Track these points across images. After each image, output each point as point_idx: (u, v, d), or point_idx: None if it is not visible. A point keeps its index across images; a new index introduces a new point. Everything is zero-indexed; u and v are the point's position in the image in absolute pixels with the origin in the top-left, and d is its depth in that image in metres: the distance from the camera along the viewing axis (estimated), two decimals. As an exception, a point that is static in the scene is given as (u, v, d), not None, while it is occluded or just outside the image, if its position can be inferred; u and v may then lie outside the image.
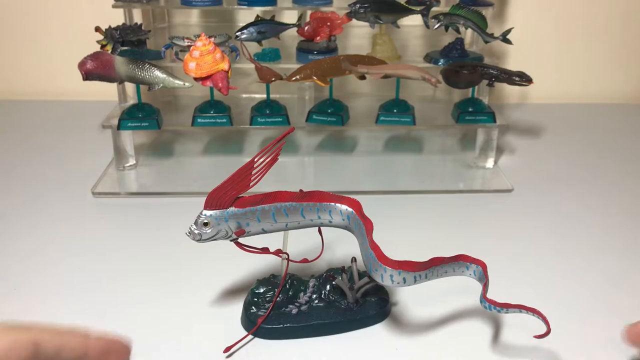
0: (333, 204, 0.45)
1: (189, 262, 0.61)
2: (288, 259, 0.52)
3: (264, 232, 0.46)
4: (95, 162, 0.81)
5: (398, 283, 0.44)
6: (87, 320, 0.53)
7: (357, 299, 0.52)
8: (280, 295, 0.52)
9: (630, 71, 1.10)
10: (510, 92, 1.07)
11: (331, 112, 0.79)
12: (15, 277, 0.58)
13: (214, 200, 0.44)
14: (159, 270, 0.60)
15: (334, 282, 0.52)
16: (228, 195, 0.44)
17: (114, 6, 0.82)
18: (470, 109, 0.80)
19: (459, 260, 0.46)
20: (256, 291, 0.52)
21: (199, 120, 0.77)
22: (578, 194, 0.76)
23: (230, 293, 0.56)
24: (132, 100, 0.83)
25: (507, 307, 0.44)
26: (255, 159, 0.43)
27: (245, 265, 0.59)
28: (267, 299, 0.52)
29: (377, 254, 0.44)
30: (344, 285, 0.51)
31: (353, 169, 0.81)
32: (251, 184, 0.44)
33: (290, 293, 0.52)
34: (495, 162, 0.83)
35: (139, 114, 0.76)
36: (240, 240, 0.47)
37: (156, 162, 0.83)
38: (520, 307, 0.45)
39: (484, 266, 0.46)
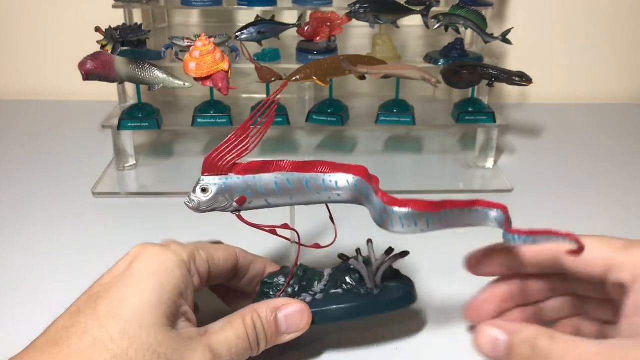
0: (339, 174, 0.43)
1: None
2: (299, 243, 0.47)
3: (268, 205, 0.44)
4: (95, 162, 0.81)
5: (409, 226, 0.40)
6: (87, 320, 0.53)
7: (377, 283, 0.47)
8: (292, 285, 0.48)
9: (631, 71, 1.10)
10: (510, 92, 1.07)
11: (331, 112, 0.79)
12: (14, 277, 0.59)
13: (212, 164, 0.42)
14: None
15: (349, 262, 0.47)
16: (226, 160, 0.42)
17: (114, 6, 0.82)
18: (470, 109, 0.80)
19: (476, 205, 0.41)
20: (268, 281, 0.48)
21: (199, 120, 0.77)
22: (578, 194, 0.76)
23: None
24: (132, 100, 0.83)
25: (534, 234, 0.37)
26: (251, 119, 0.41)
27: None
28: (280, 288, 0.48)
29: (384, 197, 0.41)
30: (360, 266, 0.47)
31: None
32: (250, 147, 0.42)
33: (304, 283, 0.48)
34: (495, 162, 0.83)
35: (139, 114, 0.76)
36: (243, 214, 0.44)
37: (156, 162, 0.83)
38: (551, 233, 0.37)
39: (505, 210, 0.41)
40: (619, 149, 0.90)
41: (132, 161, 0.81)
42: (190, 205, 0.43)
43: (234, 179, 0.42)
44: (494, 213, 0.41)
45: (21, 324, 0.52)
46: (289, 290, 0.47)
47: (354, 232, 0.52)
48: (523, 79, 0.76)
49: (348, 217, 0.51)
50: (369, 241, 0.49)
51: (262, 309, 0.43)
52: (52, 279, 0.58)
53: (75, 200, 0.73)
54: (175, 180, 0.78)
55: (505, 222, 0.40)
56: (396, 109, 0.80)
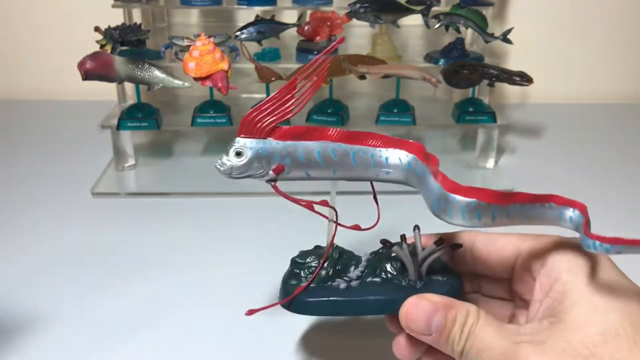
0: (391, 149, 0.38)
1: (189, 262, 0.61)
2: (336, 222, 0.42)
3: (308, 177, 0.39)
4: (95, 162, 0.81)
5: (471, 219, 0.36)
6: (86, 319, 0.53)
7: (421, 275, 0.41)
8: (326, 267, 0.42)
9: (631, 71, 1.09)
10: (510, 92, 1.06)
11: (331, 112, 0.79)
12: (14, 277, 0.58)
13: (250, 125, 0.37)
14: (159, 270, 0.60)
15: (392, 250, 0.42)
16: (265, 122, 0.37)
17: (113, 6, 0.82)
18: (470, 109, 0.80)
19: (550, 201, 0.37)
20: (299, 260, 0.43)
21: (198, 120, 0.77)
22: (579, 194, 0.75)
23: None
24: (131, 100, 0.82)
25: (619, 243, 0.32)
26: (298, 78, 0.36)
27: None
28: (312, 270, 0.42)
29: (444, 182, 0.36)
30: (404, 255, 0.41)
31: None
32: (294, 110, 0.37)
33: (339, 267, 0.43)
34: (496, 162, 0.83)
35: (139, 114, 0.76)
36: (279, 185, 0.39)
37: (156, 162, 0.83)
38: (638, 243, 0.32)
39: (582, 209, 0.36)
40: (620, 149, 0.89)
41: (131, 161, 0.80)
42: (222, 169, 0.38)
43: (272, 143, 0.38)
44: (569, 213, 0.37)
45: (21, 324, 0.52)
46: (322, 273, 0.42)
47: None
48: (524, 78, 0.75)
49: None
50: (416, 227, 0.43)
51: None
52: (51, 279, 0.58)
53: (74, 201, 0.72)
54: (175, 180, 0.78)
55: (585, 225, 0.35)
56: (396, 109, 0.80)
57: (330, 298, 0.41)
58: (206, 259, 0.61)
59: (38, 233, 0.66)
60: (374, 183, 0.41)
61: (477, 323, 0.34)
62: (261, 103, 0.37)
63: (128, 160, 0.80)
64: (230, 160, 0.38)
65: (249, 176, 0.38)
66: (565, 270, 0.35)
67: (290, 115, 0.37)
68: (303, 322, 0.51)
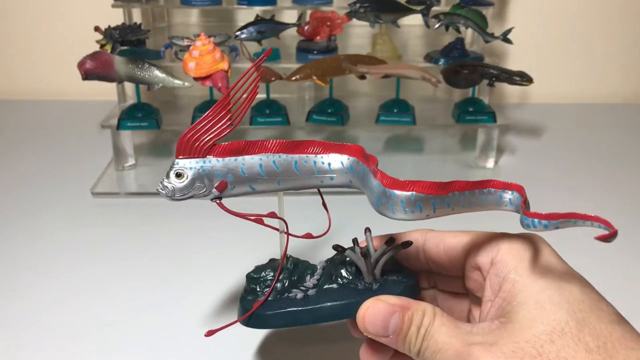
0: (332, 154, 0.39)
1: (189, 262, 0.61)
2: (288, 233, 0.42)
3: (253, 190, 0.39)
4: (95, 162, 0.81)
5: (413, 212, 0.36)
6: (86, 320, 0.53)
7: (376, 276, 0.41)
8: (281, 280, 0.42)
9: (631, 71, 1.09)
10: (510, 91, 1.06)
11: (331, 112, 0.79)
12: (14, 277, 0.58)
13: (187, 145, 0.37)
14: (159, 270, 0.60)
15: (345, 255, 0.41)
16: (203, 141, 0.37)
17: (113, 6, 0.82)
18: (470, 109, 0.80)
19: (489, 186, 0.37)
20: (254, 276, 0.43)
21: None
22: (579, 194, 0.76)
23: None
24: (131, 100, 0.82)
25: (555, 218, 0.33)
26: (231, 93, 0.36)
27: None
28: (267, 283, 0.42)
29: (383, 179, 0.36)
30: (357, 258, 0.41)
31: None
32: (231, 126, 0.36)
33: (295, 278, 0.42)
34: (496, 162, 0.83)
35: (139, 114, 0.76)
36: (225, 202, 0.39)
37: (156, 162, 0.83)
38: (576, 217, 0.33)
39: (521, 190, 0.36)
40: (620, 149, 0.89)
41: (131, 161, 0.80)
42: (164, 192, 0.37)
43: (212, 161, 0.37)
44: (508, 195, 0.37)
45: (21, 324, 0.52)
46: (278, 285, 0.42)
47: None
48: (524, 78, 0.75)
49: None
50: (367, 230, 0.43)
51: None
52: (51, 279, 0.58)
53: (74, 200, 0.72)
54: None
55: (523, 205, 0.35)
56: (396, 109, 0.80)
57: (288, 309, 0.41)
58: (206, 258, 0.61)
59: (38, 233, 0.66)
60: (322, 191, 0.41)
61: (433, 324, 0.35)
62: (196, 122, 0.36)
63: (128, 160, 0.80)
64: (171, 182, 0.37)
65: (192, 196, 0.38)
66: (513, 269, 0.35)
67: (228, 131, 0.37)
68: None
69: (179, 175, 0.37)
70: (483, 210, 0.37)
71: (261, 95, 0.84)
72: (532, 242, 0.37)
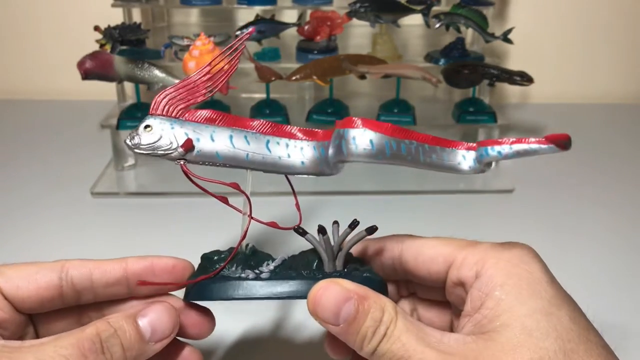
0: (306, 140, 0.38)
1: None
2: (250, 215, 0.40)
3: (218, 159, 0.38)
4: (94, 162, 0.81)
5: (365, 149, 0.35)
6: (86, 321, 0.52)
7: (337, 267, 0.39)
8: (237, 264, 0.40)
9: (631, 71, 1.09)
10: (511, 91, 1.06)
11: (331, 112, 0.79)
12: (13, 277, 0.58)
13: (161, 105, 0.37)
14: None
15: (305, 237, 0.39)
16: (176, 104, 0.37)
17: (113, 5, 0.82)
18: (471, 109, 0.80)
19: (451, 146, 0.37)
20: (209, 256, 0.42)
21: (198, 120, 0.77)
22: (579, 194, 0.76)
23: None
24: (131, 99, 0.82)
25: (506, 143, 0.34)
26: (211, 63, 0.36)
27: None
28: (220, 264, 0.40)
29: (339, 122, 0.36)
30: (318, 244, 0.39)
31: (353, 169, 0.80)
32: (207, 95, 0.37)
33: (252, 263, 0.40)
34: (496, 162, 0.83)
35: (138, 114, 0.76)
36: (190, 167, 0.38)
37: (156, 162, 0.83)
38: (523, 142, 0.33)
39: (474, 148, 0.37)
40: (620, 149, 0.89)
41: (131, 161, 0.80)
42: (130, 142, 0.37)
43: (183, 122, 0.37)
44: (471, 156, 0.37)
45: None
46: (233, 268, 0.40)
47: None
48: (524, 78, 0.75)
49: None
50: (335, 222, 0.41)
51: (117, 319, 0.35)
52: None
53: (73, 200, 0.72)
54: (174, 180, 0.78)
55: (475, 146, 0.36)
56: (397, 109, 0.80)
57: (235, 282, 0.38)
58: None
59: (38, 233, 0.66)
60: (292, 182, 0.41)
61: (396, 324, 0.32)
62: (174, 85, 0.37)
63: (128, 160, 0.80)
64: (138, 134, 0.37)
65: (156, 151, 0.37)
66: (499, 285, 0.32)
67: (203, 98, 0.37)
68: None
69: (147, 127, 0.37)
70: (440, 170, 0.37)
71: (261, 95, 0.84)
72: (521, 256, 0.34)
